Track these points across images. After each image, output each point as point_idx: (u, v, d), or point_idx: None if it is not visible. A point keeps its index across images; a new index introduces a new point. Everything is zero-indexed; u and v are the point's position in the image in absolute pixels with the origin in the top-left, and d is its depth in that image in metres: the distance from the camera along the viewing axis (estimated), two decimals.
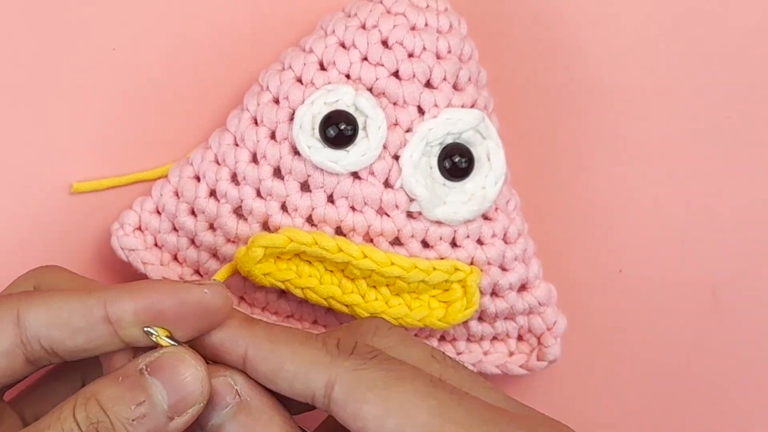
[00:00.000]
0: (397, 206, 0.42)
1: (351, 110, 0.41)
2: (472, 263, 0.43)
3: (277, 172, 0.42)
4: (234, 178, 0.43)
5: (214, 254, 0.44)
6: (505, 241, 0.43)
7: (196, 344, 0.37)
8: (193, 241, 0.44)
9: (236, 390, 0.37)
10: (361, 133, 0.41)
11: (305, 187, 0.42)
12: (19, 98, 0.45)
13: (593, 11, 0.48)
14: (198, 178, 0.44)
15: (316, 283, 0.42)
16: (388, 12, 0.42)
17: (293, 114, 0.42)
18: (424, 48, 0.41)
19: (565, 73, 0.48)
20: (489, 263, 0.43)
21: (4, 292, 0.39)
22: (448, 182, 0.42)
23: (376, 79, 0.41)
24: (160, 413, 0.35)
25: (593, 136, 0.49)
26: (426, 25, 0.42)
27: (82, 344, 0.36)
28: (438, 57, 0.42)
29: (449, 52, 0.42)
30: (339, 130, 0.41)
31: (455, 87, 0.42)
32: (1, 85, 0.45)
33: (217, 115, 0.46)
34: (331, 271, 0.42)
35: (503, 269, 0.43)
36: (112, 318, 0.36)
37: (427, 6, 0.42)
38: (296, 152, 0.42)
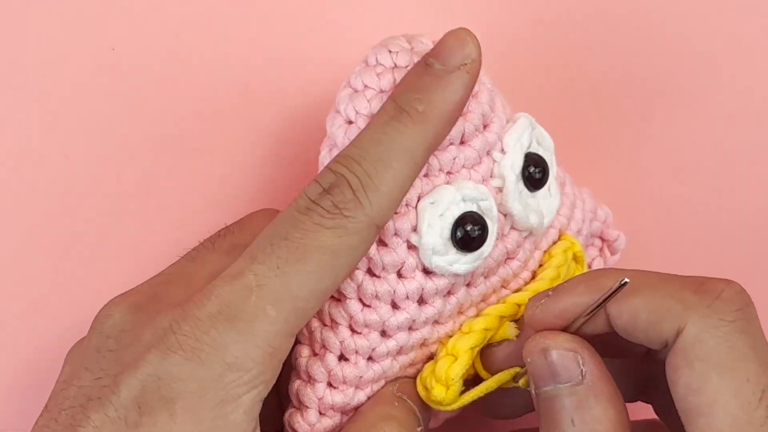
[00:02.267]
0: (518, 245, 0.41)
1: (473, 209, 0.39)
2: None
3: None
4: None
5: None
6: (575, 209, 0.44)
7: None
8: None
9: (581, 370, 0.37)
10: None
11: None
12: (18, 98, 0.44)
13: (594, 10, 0.48)
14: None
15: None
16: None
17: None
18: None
19: (565, 74, 0.49)
20: (579, 233, 0.44)
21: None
22: (528, 193, 0.41)
23: (455, 158, 0.39)
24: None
25: (594, 136, 0.50)
26: None
27: None
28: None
29: None
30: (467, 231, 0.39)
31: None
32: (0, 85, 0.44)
33: (217, 115, 0.46)
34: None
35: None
36: None
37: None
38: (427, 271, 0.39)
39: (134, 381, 0.34)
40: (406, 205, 0.38)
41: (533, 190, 0.41)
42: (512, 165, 0.40)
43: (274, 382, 0.36)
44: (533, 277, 0.43)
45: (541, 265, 0.43)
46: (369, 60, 0.39)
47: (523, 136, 0.41)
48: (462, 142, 0.39)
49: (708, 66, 0.49)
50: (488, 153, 0.40)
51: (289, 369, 0.40)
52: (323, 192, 0.36)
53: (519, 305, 0.41)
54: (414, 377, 0.41)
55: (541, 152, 0.42)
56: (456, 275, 0.39)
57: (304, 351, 0.40)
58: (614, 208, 0.48)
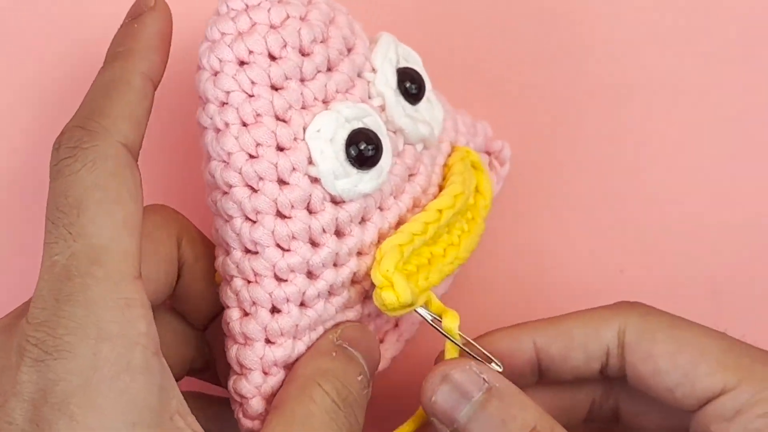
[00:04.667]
0: (417, 160, 0.42)
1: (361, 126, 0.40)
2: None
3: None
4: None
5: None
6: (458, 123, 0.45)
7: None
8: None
9: (483, 378, 0.38)
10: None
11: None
12: (18, 98, 0.44)
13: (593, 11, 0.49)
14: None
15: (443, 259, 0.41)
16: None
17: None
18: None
19: (566, 73, 0.49)
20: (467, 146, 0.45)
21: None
22: (410, 107, 0.42)
23: (326, 85, 0.39)
24: (367, 381, 0.39)
25: (594, 137, 0.49)
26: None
27: None
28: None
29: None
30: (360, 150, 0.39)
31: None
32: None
33: None
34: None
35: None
36: None
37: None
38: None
39: (22, 404, 0.33)
40: (294, 139, 0.38)
41: (414, 103, 0.41)
42: (387, 81, 0.41)
43: (154, 328, 0.34)
44: (441, 190, 0.43)
45: (444, 179, 0.43)
46: (220, 9, 0.39)
47: (389, 51, 0.41)
48: (329, 69, 0.39)
49: (710, 65, 0.49)
50: (359, 75, 0.40)
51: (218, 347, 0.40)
52: (57, 146, 0.35)
53: (440, 210, 0.41)
54: (358, 321, 0.41)
55: (411, 66, 0.42)
56: (365, 196, 0.39)
57: (234, 313, 0.39)
58: (616, 208, 0.49)
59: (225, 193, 0.39)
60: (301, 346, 0.39)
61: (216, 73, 0.38)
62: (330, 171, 0.38)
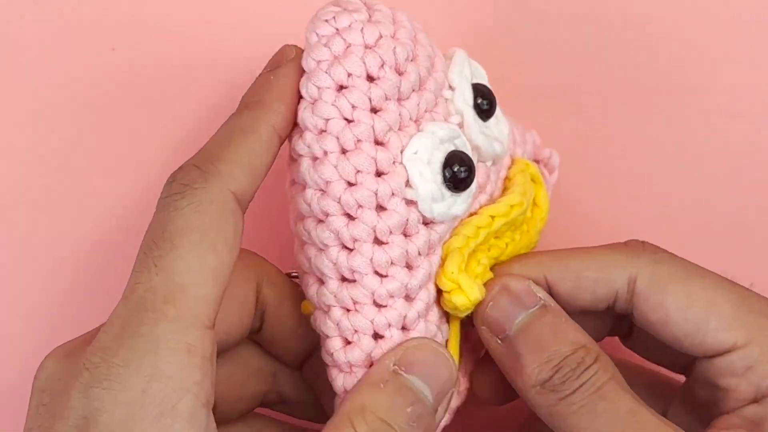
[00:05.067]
0: (487, 177, 0.41)
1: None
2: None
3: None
4: None
5: None
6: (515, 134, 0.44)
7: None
8: None
9: (539, 296, 0.39)
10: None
11: None
12: (18, 98, 0.44)
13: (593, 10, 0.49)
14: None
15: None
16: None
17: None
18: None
19: (566, 73, 0.49)
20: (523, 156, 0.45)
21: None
22: (482, 123, 0.41)
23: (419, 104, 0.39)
24: (428, 408, 0.36)
25: (595, 137, 0.50)
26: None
27: None
28: None
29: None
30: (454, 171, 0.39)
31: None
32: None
33: (217, 115, 0.43)
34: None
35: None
36: None
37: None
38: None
39: (67, 429, 0.32)
40: (393, 162, 0.38)
41: (485, 119, 0.41)
42: (465, 99, 0.40)
43: (210, 381, 0.34)
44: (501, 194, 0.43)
45: (504, 190, 0.43)
46: (310, 39, 0.38)
47: (465, 68, 0.41)
48: (420, 88, 0.39)
49: (710, 64, 0.49)
50: (439, 93, 0.40)
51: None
52: (171, 180, 0.35)
53: (492, 216, 0.41)
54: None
55: (482, 82, 0.42)
56: (455, 218, 0.39)
57: (336, 343, 0.39)
58: (617, 209, 0.49)
59: (320, 221, 0.38)
60: None
61: (314, 102, 0.37)
62: (429, 194, 0.38)
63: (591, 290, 0.40)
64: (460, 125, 0.40)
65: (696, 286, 0.39)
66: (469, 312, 0.40)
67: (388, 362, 0.37)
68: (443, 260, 0.39)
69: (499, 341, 0.39)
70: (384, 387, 0.36)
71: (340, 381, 0.39)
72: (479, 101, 0.41)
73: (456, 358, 0.39)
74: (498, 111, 0.42)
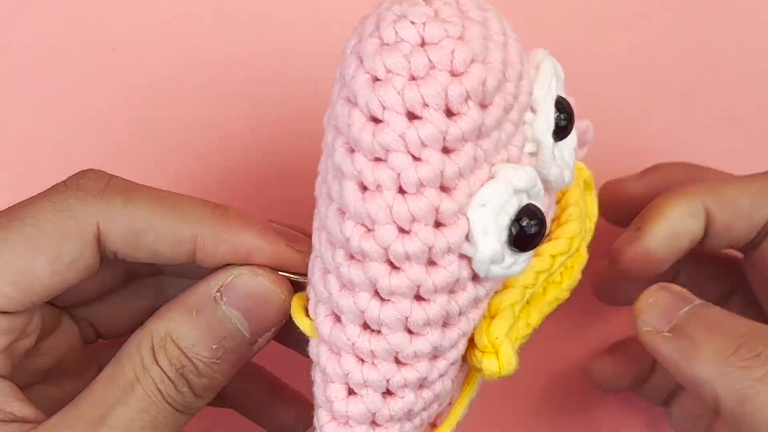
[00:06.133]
0: (549, 207, 0.36)
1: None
2: None
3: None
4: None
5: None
6: None
7: None
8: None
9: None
10: None
11: None
12: (18, 98, 0.44)
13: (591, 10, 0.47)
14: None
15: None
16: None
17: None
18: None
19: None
20: None
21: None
22: (556, 144, 0.34)
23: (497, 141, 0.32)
24: (242, 342, 0.33)
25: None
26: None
27: (155, 266, 0.35)
28: None
29: None
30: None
31: None
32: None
33: (217, 115, 0.44)
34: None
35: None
36: (197, 256, 0.33)
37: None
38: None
39: None
40: (455, 213, 0.31)
41: (560, 138, 0.34)
42: (548, 125, 0.33)
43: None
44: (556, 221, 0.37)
45: (558, 202, 0.37)
46: (385, 35, 0.30)
47: (552, 84, 0.34)
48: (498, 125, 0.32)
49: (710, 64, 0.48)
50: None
51: None
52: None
53: (553, 256, 0.35)
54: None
55: (563, 93, 0.35)
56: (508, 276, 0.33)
57: (339, 392, 0.33)
58: None
59: (356, 260, 0.31)
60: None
61: (376, 120, 0.30)
62: (489, 255, 0.31)
63: (747, 216, 0.39)
64: (534, 154, 0.33)
65: None
66: (492, 380, 0.34)
67: (213, 285, 0.33)
68: (490, 315, 0.34)
69: (667, 333, 0.36)
70: (196, 315, 0.33)
71: (331, 429, 0.33)
72: (558, 117, 0.34)
73: (462, 409, 0.35)
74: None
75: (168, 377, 0.32)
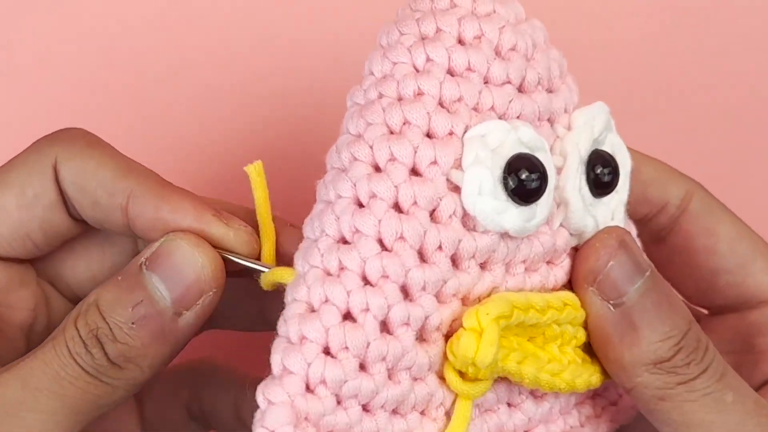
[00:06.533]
0: (565, 249, 0.34)
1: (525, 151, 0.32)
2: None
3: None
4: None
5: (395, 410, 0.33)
6: None
7: None
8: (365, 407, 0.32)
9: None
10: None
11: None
12: (18, 98, 0.45)
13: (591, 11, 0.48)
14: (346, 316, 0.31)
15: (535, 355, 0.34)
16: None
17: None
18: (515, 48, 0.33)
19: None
20: None
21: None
22: (594, 199, 0.34)
23: (511, 101, 0.33)
24: (163, 311, 0.33)
25: None
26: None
27: (100, 218, 0.34)
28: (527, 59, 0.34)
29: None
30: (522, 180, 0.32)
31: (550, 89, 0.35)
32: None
33: (216, 115, 0.45)
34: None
35: None
36: (129, 214, 0.33)
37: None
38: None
39: None
40: (449, 133, 0.31)
41: (597, 195, 0.34)
42: (578, 144, 0.34)
43: None
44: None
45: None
46: (424, 27, 0.33)
47: (597, 119, 0.34)
48: (520, 89, 0.33)
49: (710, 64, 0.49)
50: (550, 120, 0.34)
51: None
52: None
53: (565, 303, 0.33)
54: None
55: (608, 150, 0.35)
56: (501, 235, 0.32)
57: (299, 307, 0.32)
58: None
59: (342, 171, 0.32)
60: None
61: (384, 52, 0.33)
62: (477, 181, 0.31)
63: (643, 186, 0.37)
64: (559, 169, 0.34)
65: (743, 226, 0.37)
66: (462, 367, 0.32)
67: (146, 252, 0.33)
68: (483, 300, 0.32)
69: (611, 308, 0.33)
70: (120, 281, 0.33)
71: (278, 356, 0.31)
72: (600, 170, 0.34)
73: None
74: (620, 207, 0.35)
75: (79, 335, 0.32)
